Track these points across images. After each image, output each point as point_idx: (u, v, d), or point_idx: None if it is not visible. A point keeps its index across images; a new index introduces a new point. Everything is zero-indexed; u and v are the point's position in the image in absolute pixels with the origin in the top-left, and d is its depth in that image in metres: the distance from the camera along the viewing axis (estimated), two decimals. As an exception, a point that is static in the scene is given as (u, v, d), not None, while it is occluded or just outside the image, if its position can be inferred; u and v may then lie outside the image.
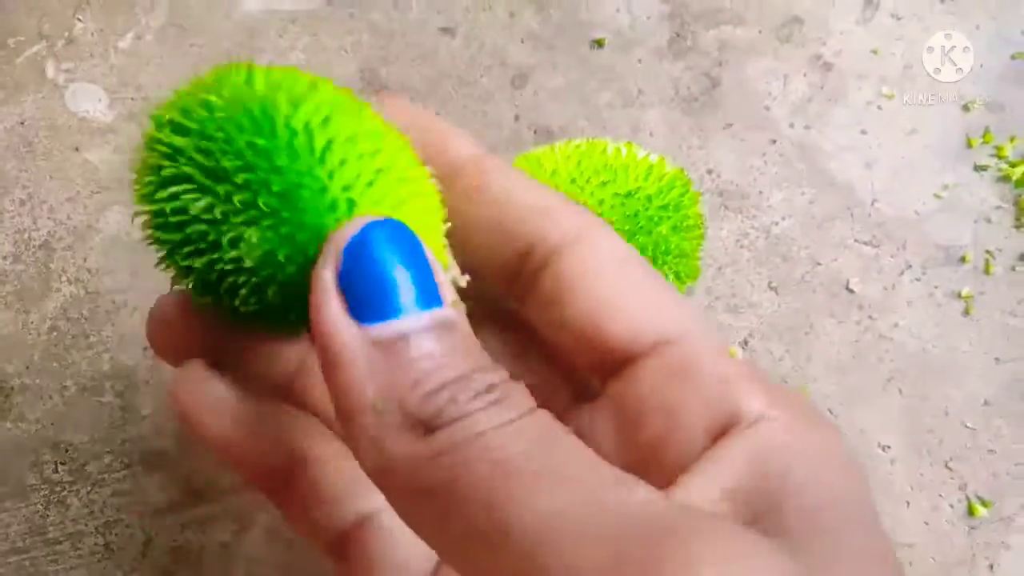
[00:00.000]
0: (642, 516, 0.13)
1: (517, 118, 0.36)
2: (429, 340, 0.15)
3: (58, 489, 0.32)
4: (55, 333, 0.34)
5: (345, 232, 0.16)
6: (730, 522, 0.14)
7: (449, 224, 0.19)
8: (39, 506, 0.32)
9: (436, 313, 0.16)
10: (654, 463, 0.17)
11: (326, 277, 0.16)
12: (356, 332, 0.15)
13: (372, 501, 0.20)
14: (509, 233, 0.19)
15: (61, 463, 0.33)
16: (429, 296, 0.16)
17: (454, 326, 0.16)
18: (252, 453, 0.20)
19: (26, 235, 0.35)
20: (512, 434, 0.15)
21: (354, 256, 0.16)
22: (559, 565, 0.13)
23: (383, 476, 0.15)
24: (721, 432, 0.17)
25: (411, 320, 0.15)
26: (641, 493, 0.14)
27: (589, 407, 0.20)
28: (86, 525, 0.32)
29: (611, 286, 0.19)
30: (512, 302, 0.21)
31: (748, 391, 0.17)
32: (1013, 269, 0.35)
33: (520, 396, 0.16)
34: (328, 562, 0.31)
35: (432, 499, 0.15)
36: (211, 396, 0.20)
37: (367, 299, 0.15)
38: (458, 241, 0.19)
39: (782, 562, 0.13)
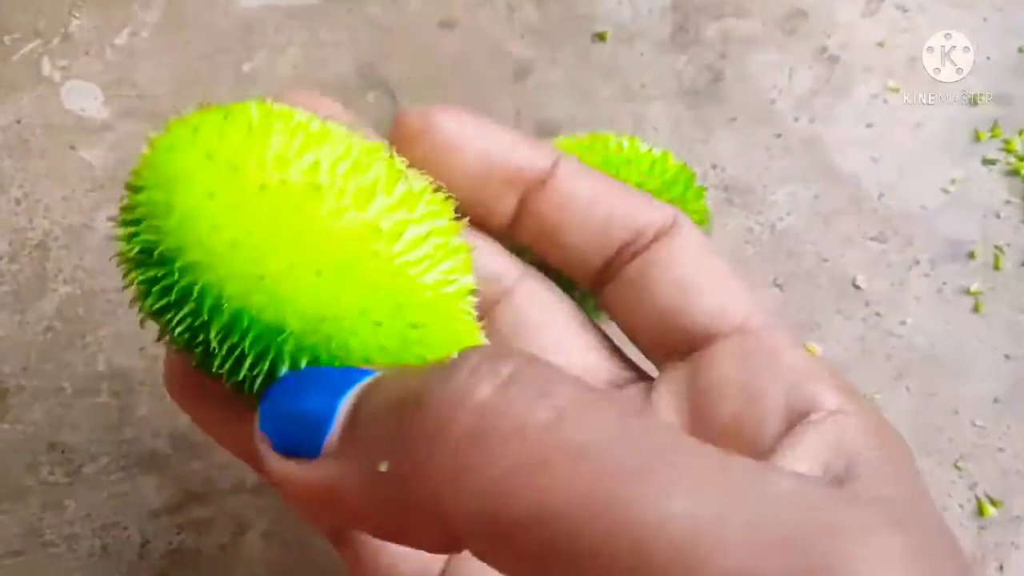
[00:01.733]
0: (796, 508, 0.12)
1: (518, 113, 0.36)
2: (370, 399, 0.15)
3: (55, 491, 0.32)
4: (51, 333, 0.33)
5: (256, 425, 0.16)
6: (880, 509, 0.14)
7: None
8: (35, 508, 0.32)
9: (357, 388, 0.15)
10: (727, 445, 0.17)
11: (262, 455, 0.15)
12: (308, 466, 0.15)
13: None
14: (606, 234, 0.20)
15: (58, 465, 0.32)
16: (337, 389, 0.15)
17: (383, 378, 0.15)
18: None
19: (22, 235, 0.34)
20: (589, 420, 0.12)
21: (270, 430, 0.15)
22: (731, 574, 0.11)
23: (445, 515, 0.13)
24: (797, 419, 0.17)
25: (338, 417, 0.15)
26: (779, 480, 0.12)
27: (644, 387, 0.20)
28: (83, 527, 0.32)
29: (696, 270, 0.20)
30: (592, 289, 0.21)
31: (827, 384, 0.18)
32: (1022, 264, 0.35)
33: (548, 368, 0.13)
34: (327, 563, 0.31)
35: (522, 531, 0.12)
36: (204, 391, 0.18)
37: (301, 445, 0.15)
38: (550, 243, 0.20)
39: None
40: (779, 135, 0.36)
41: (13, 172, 0.35)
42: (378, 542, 0.19)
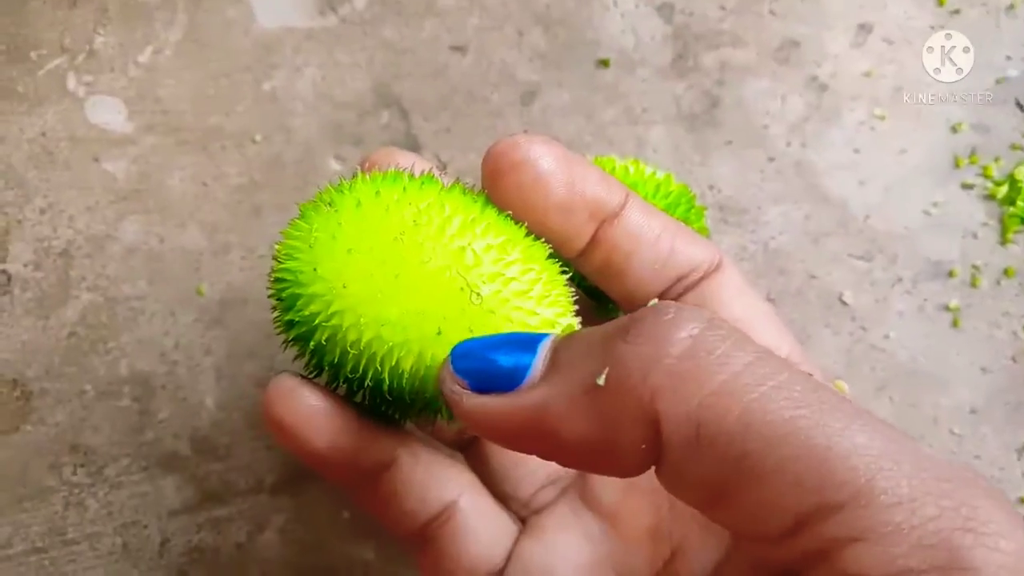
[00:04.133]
0: (948, 464, 0.15)
1: (526, 134, 0.38)
2: (571, 340, 0.17)
3: (77, 491, 0.33)
4: (74, 338, 0.34)
5: (444, 372, 0.19)
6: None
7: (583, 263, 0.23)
8: (58, 507, 0.33)
9: (550, 340, 0.18)
10: None
11: (456, 398, 0.18)
12: (509, 396, 0.17)
13: (453, 491, 0.23)
14: (669, 266, 0.23)
15: (80, 465, 0.33)
16: (531, 341, 0.18)
17: (576, 331, 0.18)
18: (346, 458, 0.21)
19: (46, 243, 0.35)
20: (782, 367, 0.15)
21: (463, 373, 0.18)
22: (902, 499, 0.13)
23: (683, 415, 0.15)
24: None
25: (540, 355, 0.17)
26: (923, 446, 0.15)
27: None
28: (104, 526, 0.33)
29: (744, 309, 0.23)
30: None
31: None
32: (998, 283, 0.37)
33: (736, 327, 0.16)
34: (342, 563, 0.32)
35: (726, 440, 0.15)
36: (308, 408, 0.21)
37: (498, 383, 0.17)
38: (616, 272, 0.23)
39: None
40: (772, 159, 0.38)
41: (38, 183, 0.36)
42: (462, 540, 0.22)
